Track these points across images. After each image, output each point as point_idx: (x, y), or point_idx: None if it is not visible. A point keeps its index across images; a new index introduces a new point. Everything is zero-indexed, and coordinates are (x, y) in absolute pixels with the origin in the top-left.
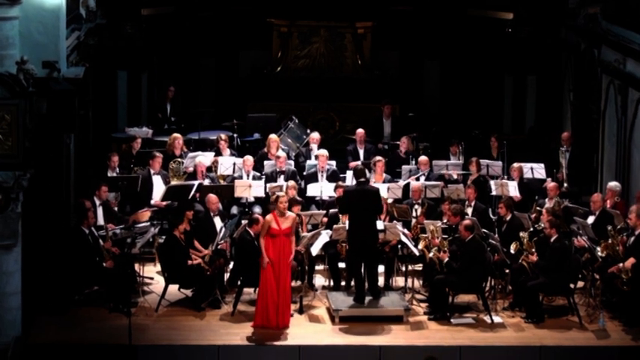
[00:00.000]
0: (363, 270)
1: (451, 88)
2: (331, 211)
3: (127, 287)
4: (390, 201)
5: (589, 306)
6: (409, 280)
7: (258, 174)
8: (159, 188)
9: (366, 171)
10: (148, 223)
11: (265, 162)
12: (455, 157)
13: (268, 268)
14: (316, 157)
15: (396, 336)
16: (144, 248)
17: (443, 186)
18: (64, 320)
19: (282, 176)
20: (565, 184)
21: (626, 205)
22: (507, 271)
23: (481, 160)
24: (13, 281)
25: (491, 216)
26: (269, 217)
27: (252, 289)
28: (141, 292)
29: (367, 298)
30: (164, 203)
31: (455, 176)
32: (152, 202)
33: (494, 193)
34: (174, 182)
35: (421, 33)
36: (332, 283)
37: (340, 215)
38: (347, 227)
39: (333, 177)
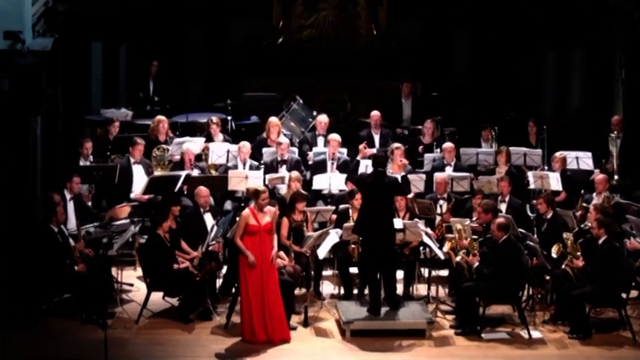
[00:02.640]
0: (378, 276)
1: (482, 62)
2: (341, 206)
3: (102, 295)
4: (410, 195)
5: None
6: (433, 288)
7: (256, 163)
8: (140, 180)
9: (388, 160)
10: (127, 221)
11: (264, 149)
12: (486, 145)
13: (249, 272)
14: (326, 142)
15: (417, 354)
16: (122, 250)
17: (472, 178)
18: (31, 334)
19: (283, 166)
20: (616, 177)
21: None
22: (548, 277)
23: (517, 149)
24: None
25: (529, 213)
26: (245, 212)
27: None
28: (119, 300)
29: (383, 309)
30: (146, 197)
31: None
32: (132, 195)
33: (532, 186)
34: (157, 173)
35: None
36: (342, 291)
37: (350, 210)
38: (356, 220)
39: (344, 167)
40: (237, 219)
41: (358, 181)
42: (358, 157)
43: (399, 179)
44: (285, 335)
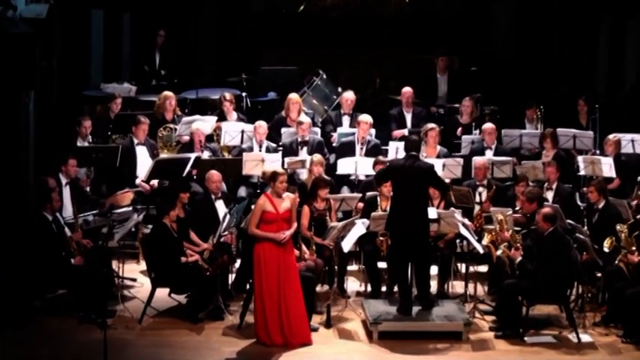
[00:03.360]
0: (410, 271)
1: (527, 34)
2: (369, 194)
3: (101, 291)
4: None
5: None
6: (470, 286)
7: (274, 145)
8: (144, 163)
9: (422, 144)
10: (130, 208)
11: (283, 129)
12: (531, 125)
13: (264, 269)
14: (352, 122)
15: (452, 359)
16: (124, 241)
17: (515, 163)
18: (22, 334)
19: (304, 148)
20: None
21: None
22: (599, 274)
23: (566, 130)
24: None
25: (579, 203)
26: (262, 199)
27: None
28: (120, 297)
29: (415, 309)
30: (151, 183)
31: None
32: (136, 181)
33: (582, 172)
34: (164, 155)
35: None
36: (369, 289)
37: (379, 198)
38: (388, 214)
39: (374, 152)
40: (252, 207)
41: (389, 168)
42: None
43: (434, 166)
44: (306, 337)
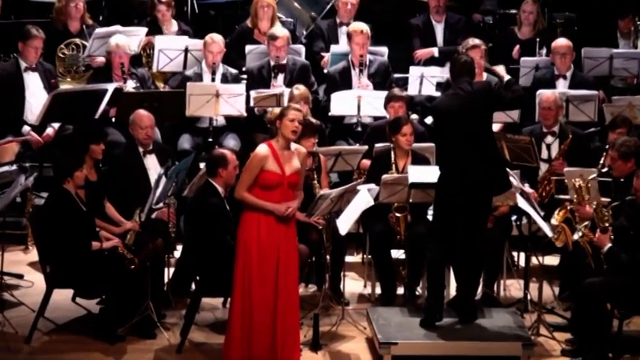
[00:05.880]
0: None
1: None
2: (378, 146)
3: None
4: (494, 128)
5: None
6: (533, 287)
7: (235, 71)
8: (36, 96)
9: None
10: (14, 167)
11: (248, 47)
12: (627, 43)
13: (256, 259)
14: (349, 36)
15: None
16: (4, 216)
17: (603, 99)
18: None
19: (280, 76)
20: None
21: None
22: None
23: None
24: None
25: None
26: (263, 149)
27: (219, 301)
28: None
29: (447, 321)
30: (47, 130)
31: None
32: (24, 127)
33: None
34: (66, 86)
35: None
36: (378, 291)
37: (393, 152)
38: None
39: (382, 77)
40: (201, 165)
41: (437, 112)
42: None
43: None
44: (295, 356)
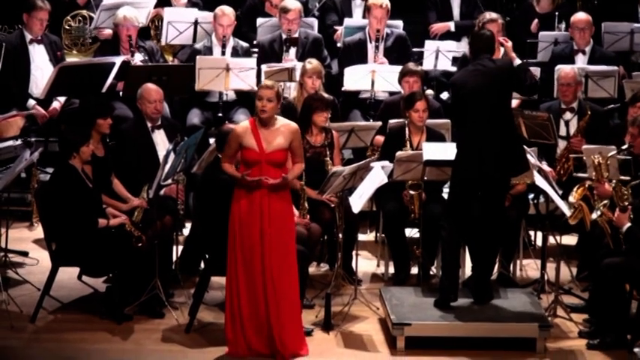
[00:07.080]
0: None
1: None
2: (392, 122)
3: None
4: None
5: None
6: (549, 267)
7: (245, 44)
8: (42, 69)
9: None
10: (18, 142)
11: (259, 20)
12: None
13: (239, 237)
14: (368, 9)
15: None
16: (9, 192)
17: (623, 75)
18: None
19: (292, 49)
20: None
21: None
22: None
23: None
24: None
25: None
26: (241, 126)
27: None
28: (1, 282)
29: (463, 302)
30: (53, 104)
31: None
32: (29, 101)
33: None
34: (72, 59)
35: None
36: (391, 270)
37: (407, 129)
38: (456, 155)
39: (400, 50)
40: (211, 141)
41: (456, 88)
42: None
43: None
44: (299, 346)
